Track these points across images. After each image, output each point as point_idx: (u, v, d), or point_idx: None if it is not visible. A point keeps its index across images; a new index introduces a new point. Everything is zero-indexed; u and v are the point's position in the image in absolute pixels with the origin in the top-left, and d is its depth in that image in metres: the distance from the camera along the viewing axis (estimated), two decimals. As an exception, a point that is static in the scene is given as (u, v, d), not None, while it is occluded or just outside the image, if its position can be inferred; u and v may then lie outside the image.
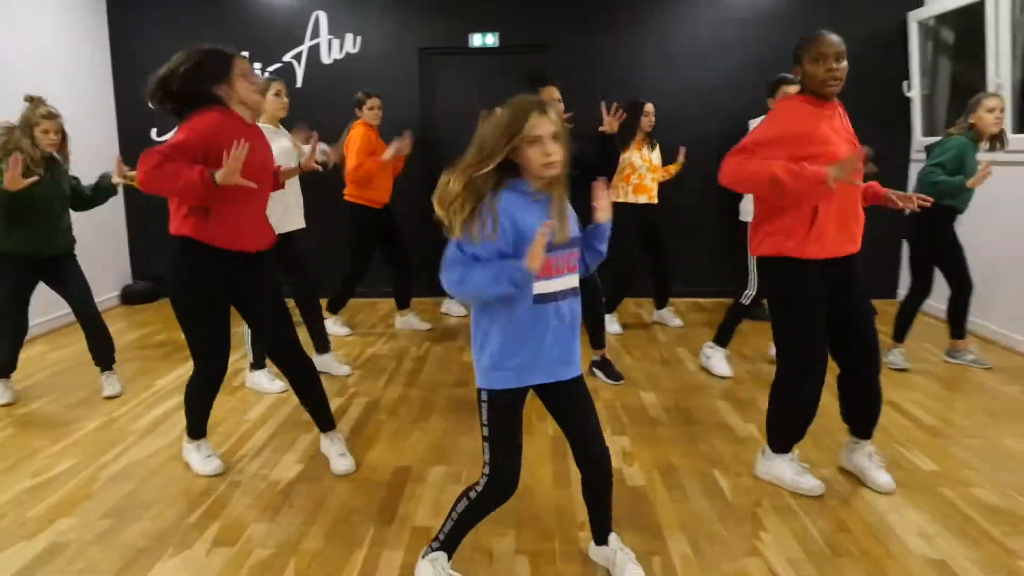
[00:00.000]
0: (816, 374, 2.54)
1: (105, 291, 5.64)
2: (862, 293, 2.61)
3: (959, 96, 5.38)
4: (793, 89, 3.72)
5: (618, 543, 2.14)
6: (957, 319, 4.06)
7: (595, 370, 3.89)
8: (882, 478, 2.66)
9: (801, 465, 2.68)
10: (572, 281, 1.92)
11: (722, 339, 4.03)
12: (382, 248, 4.81)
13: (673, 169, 5.03)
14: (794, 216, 2.45)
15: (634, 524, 2.42)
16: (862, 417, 2.69)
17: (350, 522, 2.46)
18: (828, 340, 2.56)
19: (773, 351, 3.92)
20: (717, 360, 3.98)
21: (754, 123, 4.20)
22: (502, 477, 1.93)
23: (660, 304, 5.11)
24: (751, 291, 4.01)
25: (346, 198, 4.60)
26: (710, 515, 2.49)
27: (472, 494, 1.96)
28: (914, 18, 5.41)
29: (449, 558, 2.03)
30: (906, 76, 5.52)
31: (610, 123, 3.55)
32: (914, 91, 5.49)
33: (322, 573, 2.16)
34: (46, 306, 4.50)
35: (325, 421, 2.90)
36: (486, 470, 1.94)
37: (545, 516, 2.48)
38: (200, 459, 2.84)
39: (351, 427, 3.30)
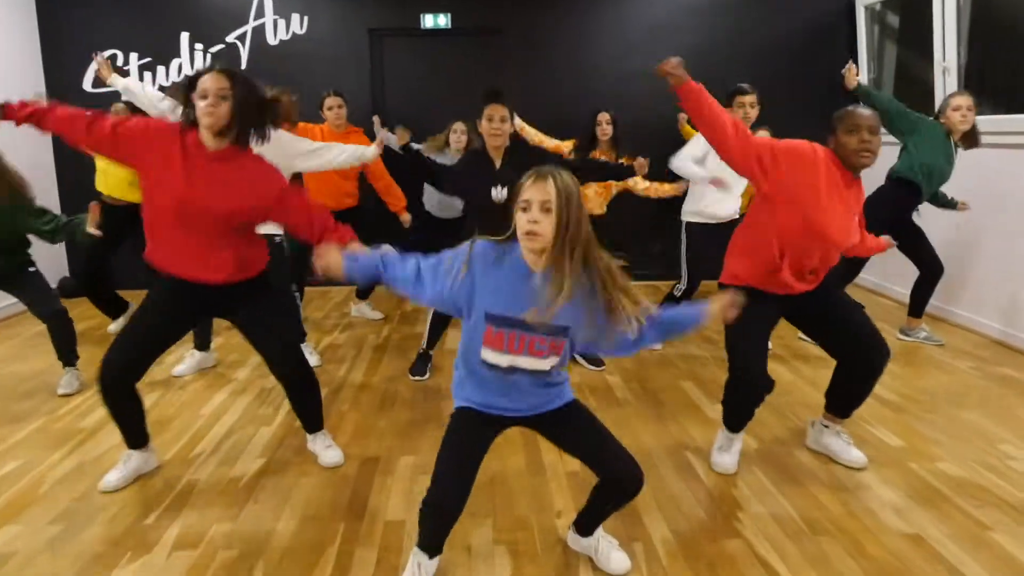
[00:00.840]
0: (746, 386, 2.55)
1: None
2: (836, 294, 2.64)
3: (905, 80, 5.50)
4: (747, 99, 3.76)
5: (601, 531, 2.09)
6: (917, 299, 4.17)
7: (576, 355, 3.84)
8: (855, 454, 2.68)
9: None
10: (531, 363, 1.80)
11: None
12: None
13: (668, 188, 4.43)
14: (757, 260, 2.48)
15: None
16: (849, 400, 2.70)
17: (319, 518, 2.36)
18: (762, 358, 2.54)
19: None
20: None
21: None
22: (438, 497, 1.84)
23: None
24: (682, 285, 4.07)
25: None
26: (688, 498, 2.48)
27: (422, 503, 1.88)
28: (861, 2, 5.49)
29: (431, 556, 1.96)
30: (854, 60, 5.60)
31: None
32: (861, 76, 5.58)
33: (293, 574, 2.06)
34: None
35: (315, 423, 2.78)
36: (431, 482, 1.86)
37: (520, 505, 2.42)
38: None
39: (313, 419, 3.18)
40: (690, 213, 3.99)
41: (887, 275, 5.34)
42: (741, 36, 5.62)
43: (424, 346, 3.78)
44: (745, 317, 2.09)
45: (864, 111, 2.38)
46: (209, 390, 3.55)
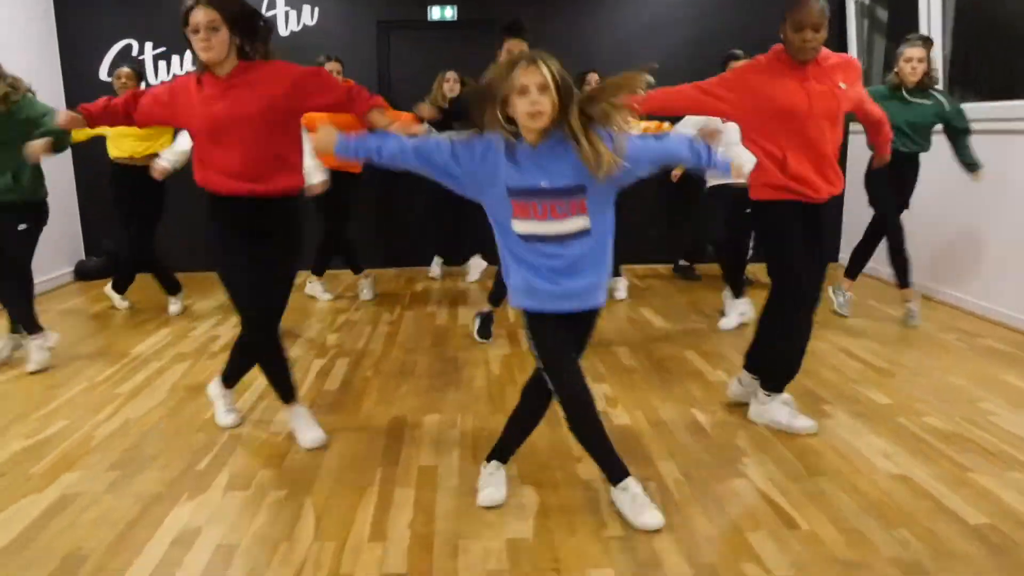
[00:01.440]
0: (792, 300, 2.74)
1: (57, 267, 5.51)
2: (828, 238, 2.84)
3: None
4: (741, 64, 3.92)
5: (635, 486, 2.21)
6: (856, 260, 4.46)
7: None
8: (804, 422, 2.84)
9: (793, 407, 2.87)
10: (557, 228, 2.00)
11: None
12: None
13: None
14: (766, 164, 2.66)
15: (626, 456, 2.56)
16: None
17: (356, 465, 2.56)
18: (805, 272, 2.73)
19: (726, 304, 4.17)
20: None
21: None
22: (567, 393, 2.09)
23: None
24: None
25: None
26: (694, 446, 2.69)
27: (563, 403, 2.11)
28: (851, -3, 5.72)
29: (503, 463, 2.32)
30: (844, 52, 5.84)
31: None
32: (852, 66, 5.81)
33: (339, 509, 2.26)
34: None
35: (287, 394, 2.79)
36: (555, 393, 2.10)
37: (542, 453, 2.62)
38: (222, 409, 2.92)
39: (340, 383, 3.38)
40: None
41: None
42: (738, 29, 5.80)
43: (490, 306, 3.95)
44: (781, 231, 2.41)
45: (813, 6, 2.52)
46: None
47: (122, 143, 4.36)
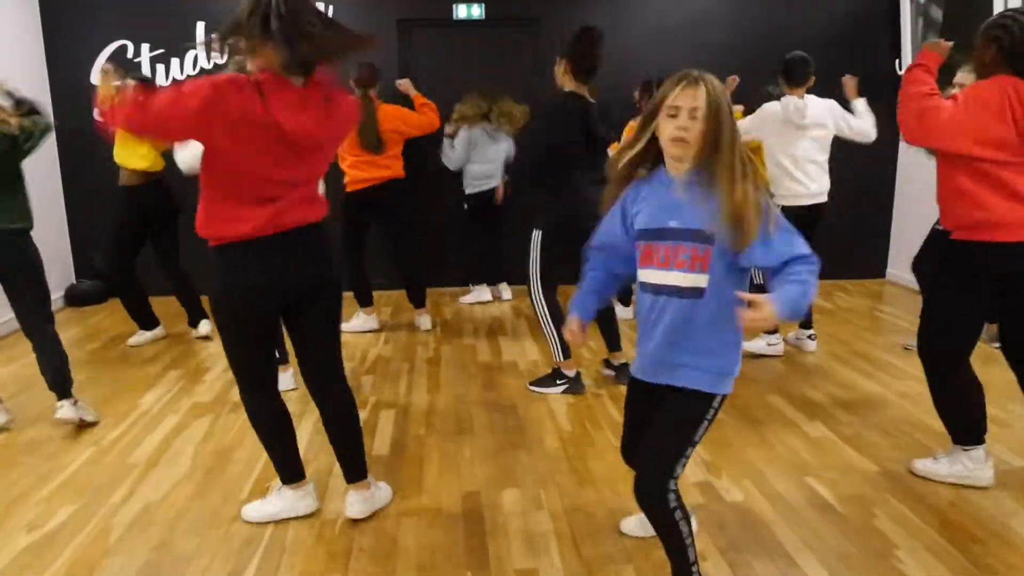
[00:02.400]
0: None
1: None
2: None
3: (949, 72, 5.36)
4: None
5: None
6: None
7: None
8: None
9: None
10: (678, 279, 1.70)
11: None
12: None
13: None
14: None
15: (761, 550, 2.18)
16: None
17: (438, 568, 2.12)
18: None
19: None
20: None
21: (772, 107, 3.92)
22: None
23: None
24: None
25: None
26: (830, 531, 2.28)
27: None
28: (906, -6, 5.34)
29: None
30: (899, 53, 5.46)
31: None
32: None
33: (432, 637, 1.83)
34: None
35: (359, 470, 2.39)
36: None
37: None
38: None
39: (390, 447, 2.93)
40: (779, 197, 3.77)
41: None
42: (780, 30, 5.42)
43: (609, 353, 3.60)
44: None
45: None
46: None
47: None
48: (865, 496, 2.49)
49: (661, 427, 1.78)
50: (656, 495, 1.74)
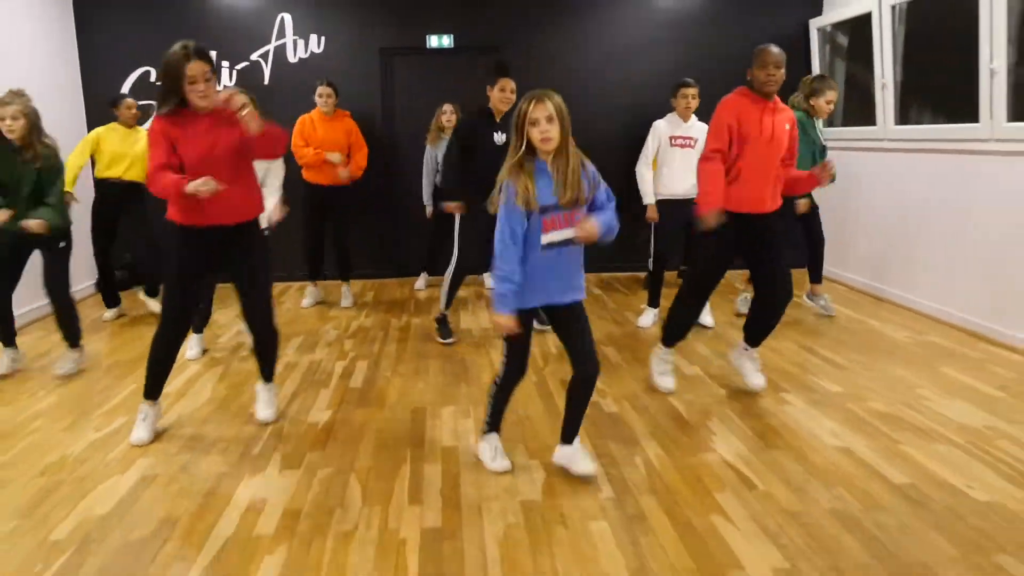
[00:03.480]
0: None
1: (80, 279, 5.91)
2: (778, 244, 3.39)
3: (853, 93, 6.28)
4: (690, 91, 4.63)
5: (578, 443, 2.76)
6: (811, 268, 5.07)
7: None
8: (757, 379, 3.55)
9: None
10: (565, 234, 2.49)
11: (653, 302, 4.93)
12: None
13: None
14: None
15: (615, 437, 3.08)
16: (760, 332, 3.53)
17: (389, 447, 3.02)
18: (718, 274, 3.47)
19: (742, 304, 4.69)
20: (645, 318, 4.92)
21: (659, 124, 4.81)
22: (512, 374, 2.73)
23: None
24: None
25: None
26: (672, 428, 3.18)
27: (496, 384, 2.73)
28: (815, 25, 6.26)
29: (498, 432, 2.83)
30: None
31: None
32: (815, 88, 6.35)
33: (380, 482, 2.72)
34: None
35: (269, 374, 3.38)
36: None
37: (544, 434, 3.10)
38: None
39: (363, 382, 3.84)
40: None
41: (846, 264, 6.12)
42: (710, 50, 6.34)
43: (443, 310, 4.52)
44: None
45: (773, 49, 3.23)
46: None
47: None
48: (708, 409, 3.39)
49: (585, 330, 2.62)
50: (597, 369, 2.63)
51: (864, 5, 5.50)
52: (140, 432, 3.11)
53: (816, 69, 6.33)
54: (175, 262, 3.02)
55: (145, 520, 2.46)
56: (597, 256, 5.15)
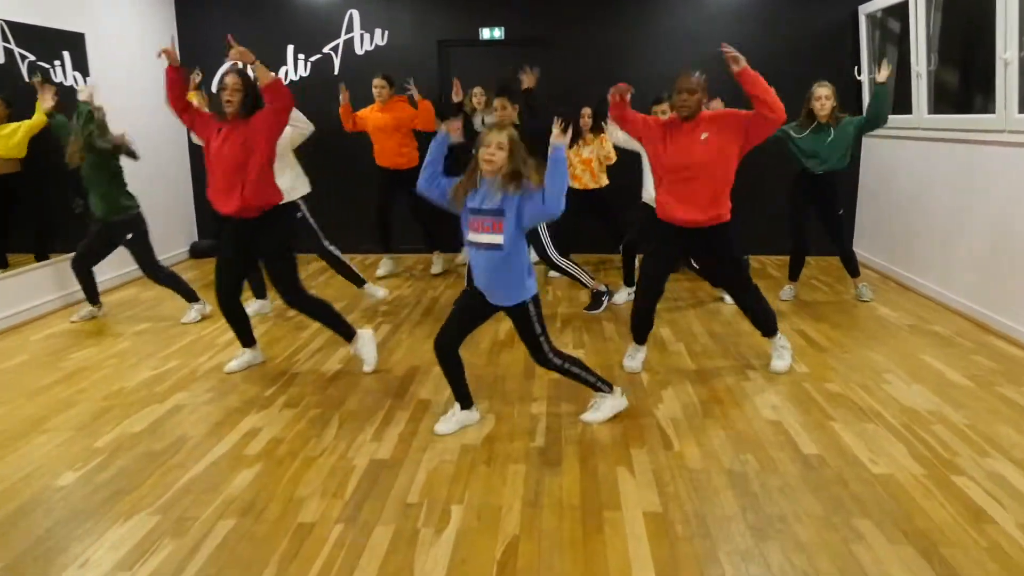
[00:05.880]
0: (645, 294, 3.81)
1: (174, 247, 6.81)
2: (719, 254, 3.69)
3: (903, 78, 6.21)
4: (660, 108, 4.76)
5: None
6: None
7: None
8: (777, 363, 3.81)
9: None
10: (487, 238, 2.88)
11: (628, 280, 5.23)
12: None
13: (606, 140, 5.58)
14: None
15: (572, 399, 3.47)
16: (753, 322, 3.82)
17: (375, 395, 3.56)
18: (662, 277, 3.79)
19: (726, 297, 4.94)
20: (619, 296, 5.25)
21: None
22: (437, 338, 3.19)
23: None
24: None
25: None
26: (628, 394, 3.52)
27: None
28: (863, 11, 6.23)
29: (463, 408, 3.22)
30: (857, 62, 6.36)
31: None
32: (864, 75, 6.34)
33: (355, 423, 3.25)
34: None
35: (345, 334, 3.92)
36: None
37: (512, 395, 3.54)
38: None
39: (380, 340, 4.38)
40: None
41: (875, 250, 6.13)
42: (755, 42, 6.42)
43: (593, 287, 4.96)
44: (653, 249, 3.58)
45: (687, 76, 3.45)
46: (307, 321, 4.80)
47: None
48: (668, 380, 3.72)
49: (524, 330, 3.08)
50: (547, 364, 3.10)
51: (903, -8, 5.47)
52: (231, 364, 3.94)
53: (864, 56, 6.31)
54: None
55: (166, 438, 3.11)
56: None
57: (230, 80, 3.48)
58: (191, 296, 4.91)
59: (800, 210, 5.06)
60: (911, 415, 3.27)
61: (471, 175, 2.93)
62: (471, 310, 3.14)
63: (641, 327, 3.83)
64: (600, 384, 3.20)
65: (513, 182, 2.84)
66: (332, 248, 5.09)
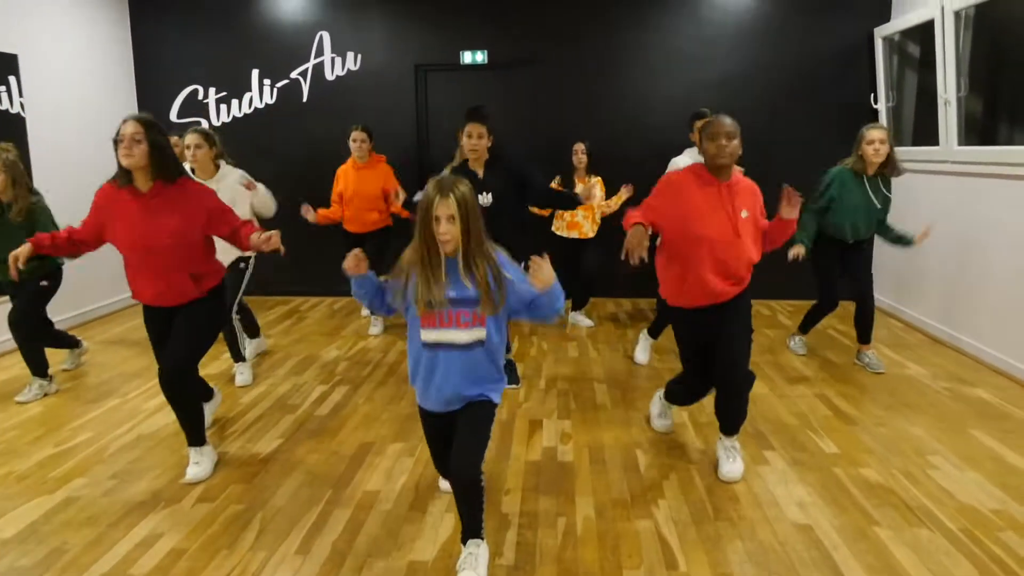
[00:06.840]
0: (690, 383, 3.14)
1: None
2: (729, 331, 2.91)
3: (924, 106, 5.66)
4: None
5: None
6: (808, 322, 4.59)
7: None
8: (727, 468, 2.96)
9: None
10: (457, 335, 2.19)
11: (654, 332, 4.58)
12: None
13: (614, 202, 5.17)
14: (669, 274, 2.96)
15: (553, 492, 2.83)
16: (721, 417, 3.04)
17: (314, 485, 2.91)
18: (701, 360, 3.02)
19: None
20: (641, 348, 4.56)
21: (679, 160, 4.53)
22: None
23: (576, 307, 5.46)
24: None
25: None
26: (619, 484, 2.89)
27: None
28: (879, 34, 5.70)
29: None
30: (873, 88, 5.82)
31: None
32: (880, 103, 5.79)
33: (281, 525, 2.61)
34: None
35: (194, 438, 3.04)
36: None
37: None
38: None
39: (331, 408, 3.75)
40: None
41: (900, 298, 5.52)
42: (761, 67, 5.91)
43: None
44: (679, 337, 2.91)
45: (724, 119, 2.72)
46: (244, 388, 4.17)
47: None
48: (672, 465, 3.07)
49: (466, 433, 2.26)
50: (469, 473, 2.20)
51: (926, 11, 4.94)
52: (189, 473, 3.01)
53: (881, 81, 5.77)
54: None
55: (37, 548, 2.46)
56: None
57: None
58: (42, 368, 3.98)
59: (834, 261, 4.28)
60: (972, 517, 2.64)
61: (425, 262, 2.19)
62: (441, 435, 2.37)
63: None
64: (481, 528, 2.31)
65: (476, 259, 2.17)
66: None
